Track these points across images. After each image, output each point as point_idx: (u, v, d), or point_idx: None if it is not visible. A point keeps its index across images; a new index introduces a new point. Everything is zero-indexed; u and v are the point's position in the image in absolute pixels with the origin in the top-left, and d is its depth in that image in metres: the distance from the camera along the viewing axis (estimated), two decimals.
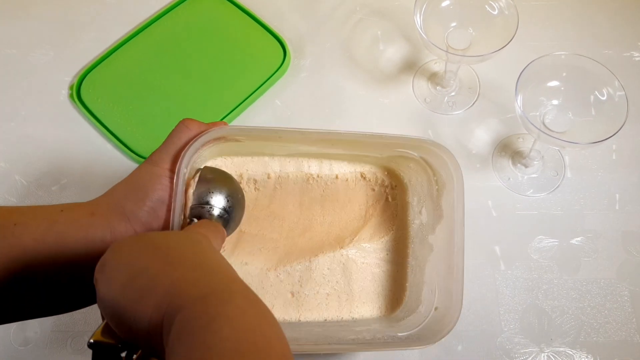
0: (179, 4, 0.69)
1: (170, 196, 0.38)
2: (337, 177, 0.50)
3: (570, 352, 0.51)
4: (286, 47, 0.65)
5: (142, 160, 0.59)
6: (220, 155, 0.49)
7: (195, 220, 0.40)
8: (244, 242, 0.48)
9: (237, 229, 0.48)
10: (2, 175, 0.60)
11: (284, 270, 0.48)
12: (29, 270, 0.33)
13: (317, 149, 0.49)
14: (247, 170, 0.49)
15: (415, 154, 0.46)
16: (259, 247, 0.48)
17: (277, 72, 0.63)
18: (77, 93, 0.63)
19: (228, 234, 0.42)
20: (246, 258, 0.48)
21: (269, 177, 0.49)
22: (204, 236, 0.34)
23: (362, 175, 0.51)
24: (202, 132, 0.40)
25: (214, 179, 0.43)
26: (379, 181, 0.51)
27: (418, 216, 0.49)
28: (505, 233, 0.57)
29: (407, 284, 0.49)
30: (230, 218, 0.42)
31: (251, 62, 0.65)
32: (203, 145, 0.41)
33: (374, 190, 0.51)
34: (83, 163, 0.60)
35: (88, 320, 0.52)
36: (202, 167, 0.44)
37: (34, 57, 0.67)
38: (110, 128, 0.61)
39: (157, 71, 0.65)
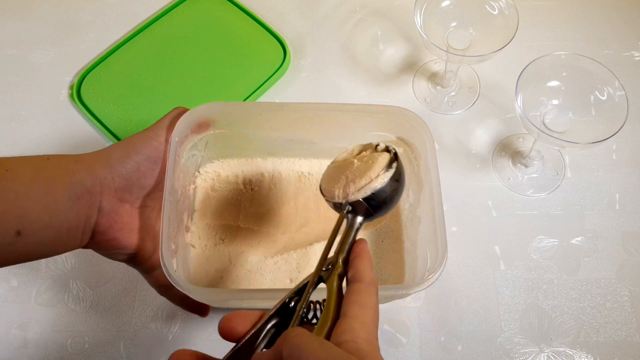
0: (179, 4, 0.69)
1: (163, 158, 0.41)
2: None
3: (570, 352, 0.51)
4: (286, 47, 0.65)
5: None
6: (217, 158, 0.52)
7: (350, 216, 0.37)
8: (242, 237, 0.50)
9: (236, 224, 0.50)
10: None
11: (281, 258, 0.49)
12: (22, 217, 0.35)
13: (301, 137, 0.50)
14: (242, 171, 0.52)
15: (392, 135, 0.47)
16: (257, 241, 0.50)
17: (277, 72, 0.63)
18: (77, 93, 0.63)
19: (389, 209, 0.38)
20: (245, 248, 0.49)
21: (262, 176, 0.52)
22: None
23: None
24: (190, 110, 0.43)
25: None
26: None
27: (407, 200, 0.50)
28: (505, 233, 0.57)
29: (405, 267, 0.49)
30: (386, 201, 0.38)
31: (251, 62, 0.65)
32: (193, 120, 0.44)
33: None
34: None
35: (88, 321, 0.53)
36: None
37: (34, 57, 0.67)
38: (110, 128, 0.61)
39: (157, 71, 0.65)
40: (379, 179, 0.37)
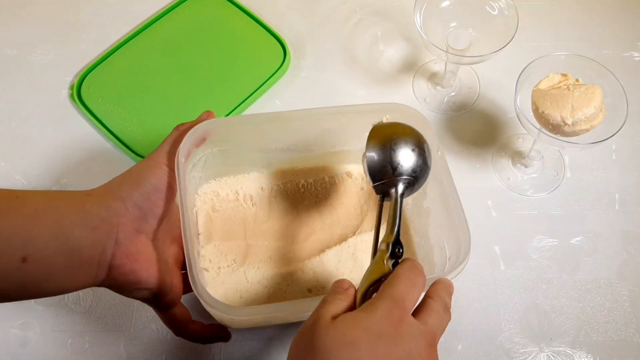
0: (179, 4, 0.69)
1: (168, 185, 0.40)
2: (324, 179, 0.52)
3: (570, 352, 0.51)
4: (286, 47, 0.65)
5: (136, 162, 0.60)
6: (213, 177, 0.51)
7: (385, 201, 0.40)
8: (253, 254, 0.49)
9: (244, 242, 0.49)
10: (2, 175, 0.60)
11: (297, 269, 0.49)
12: (29, 241, 0.34)
13: (300, 146, 0.50)
14: (241, 187, 0.52)
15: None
16: (268, 256, 0.49)
17: (277, 72, 0.63)
18: (77, 93, 0.63)
19: (417, 189, 0.41)
20: (258, 265, 0.49)
21: (262, 190, 0.52)
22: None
23: (348, 175, 0.52)
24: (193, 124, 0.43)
25: (387, 137, 0.40)
26: (366, 178, 0.52)
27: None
28: (505, 233, 0.57)
29: (418, 260, 0.49)
30: (420, 174, 0.40)
31: (251, 62, 0.65)
32: (195, 139, 0.43)
33: (363, 189, 0.52)
34: (83, 163, 0.60)
35: (88, 320, 0.53)
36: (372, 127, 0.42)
37: (34, 57, 0.67)
38: (110, 128, 0.61)
39: (157, 71, 0.65)
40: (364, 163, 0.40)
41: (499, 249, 0.56)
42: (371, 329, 0.30)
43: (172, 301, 0.41)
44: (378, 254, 0.36)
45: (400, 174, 0.39)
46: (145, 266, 0.39)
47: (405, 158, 0.39)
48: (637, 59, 0.66)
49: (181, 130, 0.44)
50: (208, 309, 0.38)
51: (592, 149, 0.59)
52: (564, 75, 0.51)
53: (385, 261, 0.35)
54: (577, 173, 0.60)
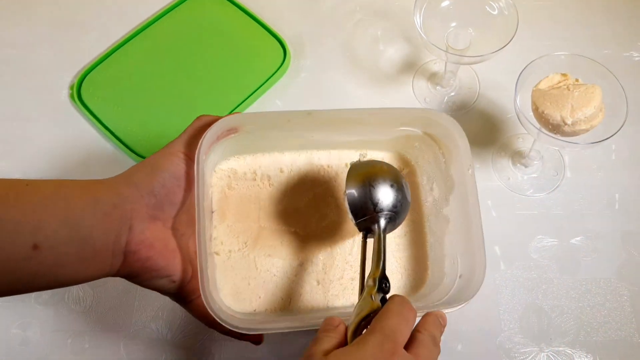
0: (179, 4, 0.69)
1: (186, 175, 0.39)
2: (346, 165, 0.51)
3: (570, 352, 0.51)
4: (286, 47, 0.65)
5: (142, 160, 0.59)
6: (233, 154, 0.50)
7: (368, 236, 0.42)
8: (264, 238, 0.49)
9: (257, 225, 0.49)
10: (2, 176, 0.59)
11: (307, 260, 0.49)
12: (39, 228, 0.33)
13: (324, 136, 0.49)
14: (259, 167, 0.50)
15: (419, 130, 0.47)
16: (279, 241, 0.49)
17: (277, 72, 0.63)
18: (78, 93, 0.63)
19: (399, 224, 0.43)
20: (269, 251, 0.49)
21: (281, 171, 0.51)
22: None
23: None
24: (216, 122, 0.41)
25: (366, 175, 0.42)
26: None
27: (430, 193, 0.50)
28: (505, 233, 0.57)
29: (428, 262, 0.49)
30: (401, 209, 0.42)
31: (251, 62, 0.65)
32: (217, 135, 0.42)
33: None
34: (83, 163, 0.60)
35: (88, 320, 0.53)
36: (348, 166, 0.45)
37: (34, 57, 0.67)
38: (110, 128, 0.61)
39: (157, 71, 0.65)
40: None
41: (499, 249, 0.56)
42: (369, 352, 0.31)
43: (193, 291, 0.40)
44: (366, 289, 0.36)
45: (381, 210, 0.41)
46: (163, 253, 0.38)
47: (385, 194, 0.41)
48: (637, 59, 0.66)
49: (203, 122, 0.43)
50: (227, 327, 0.38)
51: (592, 149, 0.59)
52: (564, 75, 0.51)
53: (373, 296, 0.36)
54: (577, 173, 0.60)
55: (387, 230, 0.41)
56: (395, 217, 0.42)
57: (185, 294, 0.40)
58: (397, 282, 0.49)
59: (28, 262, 0.33)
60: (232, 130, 0.45)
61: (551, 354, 0.51)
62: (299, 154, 0.51)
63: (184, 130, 0.42)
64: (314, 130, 0.49)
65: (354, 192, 0.42)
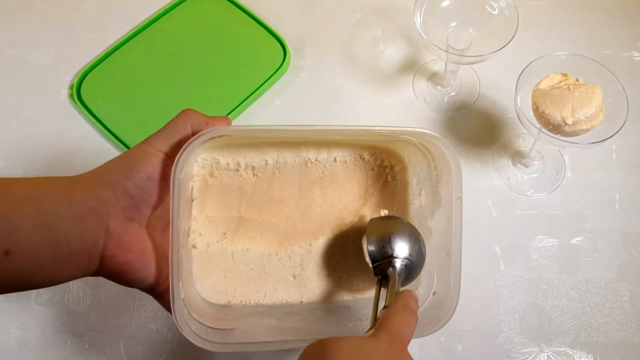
0: (179, 4, 0.69)
1: (164, 175, 0.38)
2: (335, 159, 0.50)
3: (570, 352, 0.51)
4: (286, 47, 0.65)
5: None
6: (215, 148, 0.48)
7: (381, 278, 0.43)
8: (244, 229, 0.48)
9: (238, 215, 0.48)
10: (2, 175, 0.60)
11: (285, 254, 0.48)
12: (12, 232, 0.32)
13: (315, 139, 0.49)
14: (244, 157, 0.49)
15: (414, 140, 0.47)
16: (259, 232, 0.48)
17: (277, 72, 0.63)
18: (77, 93, 0.63)
19: (414, 278, 0.45)
20: (247, 244, 0.48)
21: (266, 164, 0.49)
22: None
23: (361, 157, 0.51)
24: (200, 133, 0.39)
25: (400, 228, 0.45)
26: (378, 161, 0.51)
27: (417, 197, 0.50)
28: (505, 233, 0.57)
29: None
30: (416, 260, 0.44)
31: (251, 62, 0.65)
32: (197, 148, 0.41)
33: (373, 169, 0.51)
34: (83, 163, 0.60)
35: (88, 320, 0.53)
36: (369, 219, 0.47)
37: (34, 57, 0.67)
38: (110, 128, 0.61)
39: (157, 71, 0.65)
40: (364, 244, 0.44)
41: (499, 249, 0.56)
42: (379, 351, 0.32)
43: (166, 289, 0.40)
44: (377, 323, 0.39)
45: (397, 256, 0.43)
46: (140, 256, 0.38)
47: (402, 243, 0.44)
48: (637, 59, 0.66)
49: (187, 119, 0.40)
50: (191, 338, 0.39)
51: (593, 149, 0.59)
52: (564, 75, 0.51)
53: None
54: (577, 173, 0.60)
55: (401, 276, 0.43)
56: (410, 266, 0.43)
57: (161, 291, 0.40)
58: (372, 280, 0.49)
59: (0, 267, 0.32)
60: (215, 138, 0.43)
61: (551, 354, 0.51)
62: (287, 145, 0.50)
63: (166, 125, 0.40)
64: (303, 140, 0.48)
65: (374, 238, 0.44)
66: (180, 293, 0.38)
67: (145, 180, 0.37)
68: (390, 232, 0.44)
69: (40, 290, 0.54)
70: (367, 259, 0.44)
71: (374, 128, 0.43)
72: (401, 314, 0.36)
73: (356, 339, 0.33)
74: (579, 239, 0.56)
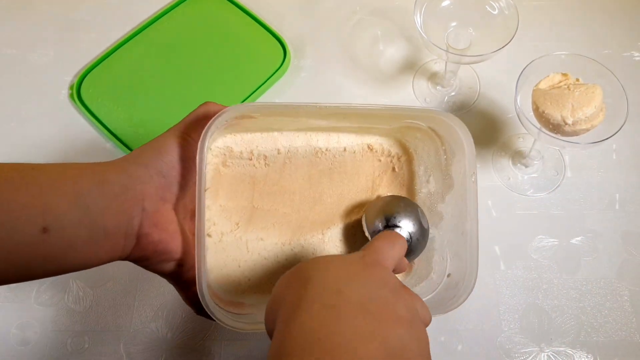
0: (179, 4, 0.69)
1: (191, 157, 0.39)
2: (344, 149, 0.51)
3: (570, 352, 0.51)
4: (286, 47, 0.65)
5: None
6: (229, 132, 0.49)
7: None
8: (257, 218, 0.48)
9: (250, 205, 0.48)
10: None
11: (298, 244, 0.48)
12: (47, 211, 0.32)
13: (326, 123, 0.49)
14: (257, 146, 0.49)
15: (423, 124, 0.47)
16: (272, 222, 0.49)
17: (277, 72, 0.63)
18: (77, 93, 0.63)
19: (417, 253, 0.45)
20: (261, 233, 0.48)
21: (278, 153, 0.50)
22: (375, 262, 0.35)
23: (369, 147, 0.51)
24: (223, 110, 0.41)
25: (400, 203, 0.46)
26: (385, 152, 0.51)
27: (426, 185, 0.50)
28: (505, 233, 0.57)
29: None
30: (414, 245, 0.44)
31: (251, 62, 0.65)
32: (223, 124, 0.42)
33: (380, 161, 0.52)
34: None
35: (88, 320, 0.53)
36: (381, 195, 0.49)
37: (34, 57, 0.67)
38: (110, 128, 0.61)
39: (157, 71, 0.65)
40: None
41: (499, 249, 0.56)
42: (347, 258, 0.34)
43: (194, 277, 0.39)
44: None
45: (395, 225, 0.44)
46: (174, 236, 0.38)
47: (401, 217, 0.45)
48: (637, 58, 0.66)
49: (209, 109, 0.42)
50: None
51: (593, 149, 0.59)
52: (564, 74, 0.51)
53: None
54: (577, 173, 0.60)
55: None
56: (411, 239, 0.44)
57: (186, 279, 0.40)
58: None
59: (38, 246, 0.32)
60: (238, 118, 0.44)
61: (551, 354, 0.51)
62: (297, 135, 0.50)
63: (188, 115, 0.41)
64: (318, 119, 0.48)
65: (372, 212, 0.45)
66: (205, 277, 0.38)
67: (177, 160, 0.38)
68: (386, 205, 0.45)
69: (41, 289, 0.54)
70: (366, 233, 0.44)
71: (390, 106, 0.44)
72: (381, 238, 0.37)
73: (331, 255, 0.35)
74: (579, 239, 0.56)
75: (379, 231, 0.44)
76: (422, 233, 0.45)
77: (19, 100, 0.64)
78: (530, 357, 0.51)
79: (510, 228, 0.57)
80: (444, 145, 0.48)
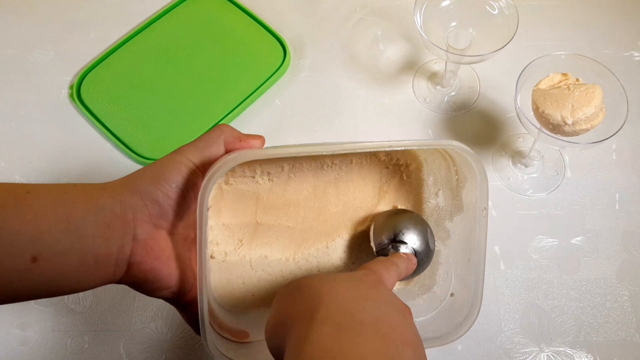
0: (179, 4, 0.69)
1: (193, 187, 0.38)
2: (351, 161, 0.49)
3: (570, 352, 0.51)
4: (286, 47, 0.65)
5: (142, 160, 0.59)
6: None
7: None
8: (261, 234, 0.48)
9: (254, 221, 0.48)
10: (2, 175, 0.60)
11: (302, 258, 0.48)
12: (38, 239, 0.32)
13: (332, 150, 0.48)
14: (260, 164, 0.48)
15: (433, 147, 0.47)
16: (276, 237, 0.48)
17: (277, 72, 0.63)
18: (77, 93, 0.63)
19: (420, 270, 0.45)
20: (264, 250, 0.48)
21: (282, 169, 0.48)
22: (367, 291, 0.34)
23: (377, 157, 0.50)
24: (224, 161, 0.38)
25: (411, 220, 0.45)
26: (394, 160, 0.51)
27: (434, 197, 0.49)
28: (505, 233, 0.57)
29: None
30: (421, 253, 0.44)
31: (251, 62, 0.65)
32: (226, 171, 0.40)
33: (387, 168, 0.51)
34: (83, 163, 0.60)
35: (88, 320, 0.53)
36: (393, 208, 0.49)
37: (34, 57, 0.67)
38: (110, 128, 0.61)
39: (157, 71, 0.65)
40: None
41: (499, 249, 0.56)
42: (353, 277, 0.35)
43: (194, 299, 0.39)
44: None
45: (401, 241, 0.44)
46: (167, 263, 0.37)
47: (407, 232, 0.45)
48: (637, 58, 0.66)
49: (222, 134, 0.40)
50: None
51: (593, 149, 0.59)
52: (564, 74, 0.51)
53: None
54: (577, 173, 0.60)
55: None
56: (415, 255, 0.44)
57: (185, 302, 0.39)
58: None
59: (27, 273, 0.32)
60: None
61: (551, 354, 0.51)
62: (303, 149, 0.48)
63: (200, 137, 0.40)
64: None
65: (380, 225, 0.45)
66: (207, 314, 0.37)
67: (174, 189, 0.37)
68: (396, 220, 0.44)
69: None
70: (372, 244, 0.44)
71: (402, 142, 0.41)
72: (382, 261, 0.38)
73: (335, 273, 0.36)
74: (579, 239, 0.56)
75: (385, 245, 0.44)
76: (427, 254, 0.44)
77: (19, 100, 0.64)
78: (530, 357, 0.51)
79: (510, 228, 0.57)
80: (455, 166, 0.46)
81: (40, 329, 0.52)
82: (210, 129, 0.59)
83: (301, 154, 0.42)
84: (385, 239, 0.44)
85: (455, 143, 0.42)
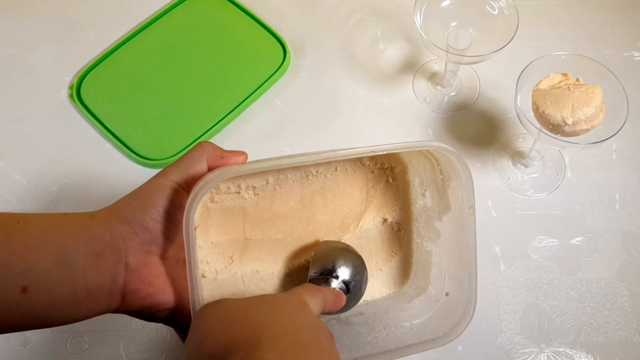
0: (179, 4, 0.69)
1: (180, 208, 0.37)
2: (336, 169, 0.49)
3: (570, 352, 0.51)
4: (286, 47, 0.65)
5: (142, 160, 0.59)
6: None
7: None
8: (251, 249, 0.48)
9: (242, 236, 0.47)
10: (2, 175, 0.60)
11: (293, 268, 0.48)
12: (28, 270, 0.32)
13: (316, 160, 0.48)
14: (244, 179, 0.48)
15: (418, 146, 0.46)
16: (266, 251, 0.48)
17: (277, 72, 0.63)
18: (77, 93, 0.63)
19: (347, 309, 0.44)
20: (256, 265, 0.48)
21: (267, 183, 0.48)
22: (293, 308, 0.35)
23: (361, 162, 0.50)
24: (206, 180, 0.38)
25: (338, 250, 0.45)
26: (379, 164, 0.51)
27: (421, 197, 0.49)
28: (505, 233, 0.57)
29: (412, 260, 0.49)
30: (352, 293, 0.44)
31: (251, 62, 0.65)
32: (210, 189, 0.40)
33: (373, 172, 0.51)
34: (83, 163, 0.60)
35: (88, 321, 0.52)
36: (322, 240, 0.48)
37: (34, 57, 0.67)
38: (110, 128, 0.61)
39: (157, 71, 0.65)
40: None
41: (499, 249, 0.56)
42: (285, 299, 0.35)
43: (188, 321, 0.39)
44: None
45: (335, 276, 0.43)
46: (162, 288, 0.37)
47: (344, 269, 0.44)
48: (637, 59, 0.66)
49: (203, 152, 0.39)
50: None
51: (593, 149, 0.59)
52: (565, 75, 0.51)
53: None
54: (577, 173, 0.60)
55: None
56: (345, 292, 0.44)
57: (184, 324, 0.39)
58: (382, 280, 0.49)
59: (17, 304, 0.32)
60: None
61: (551, 355, 0.51)
62: (287, 160, 0.48)
63: (182, 157, 0.39)
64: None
65: (319, 256, 0.45)
66: None
67: (162, 212, 0.37)
68: (336, 255, 0.45)
69: None
70: (309, 272, 0.45)
71: (383, 146, 0.41)
72: (309, 287, 0.38)
73: (262, 295, 0.36)
74: (579, 239, 0.56)
75: (317, 275, 0.44)
76: (355, 296, 0.45)
77: (19, 101, 0.64)
78: (530, 358, 0.51)
79: (510, 228, 0.57)
80: (439, 165, 0.46)
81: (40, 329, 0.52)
82: (210, 129, 0.60)
83: (283, 166, 0.41)
84: (319, 270, 0.44)
85: (436, 143, 0.41)
